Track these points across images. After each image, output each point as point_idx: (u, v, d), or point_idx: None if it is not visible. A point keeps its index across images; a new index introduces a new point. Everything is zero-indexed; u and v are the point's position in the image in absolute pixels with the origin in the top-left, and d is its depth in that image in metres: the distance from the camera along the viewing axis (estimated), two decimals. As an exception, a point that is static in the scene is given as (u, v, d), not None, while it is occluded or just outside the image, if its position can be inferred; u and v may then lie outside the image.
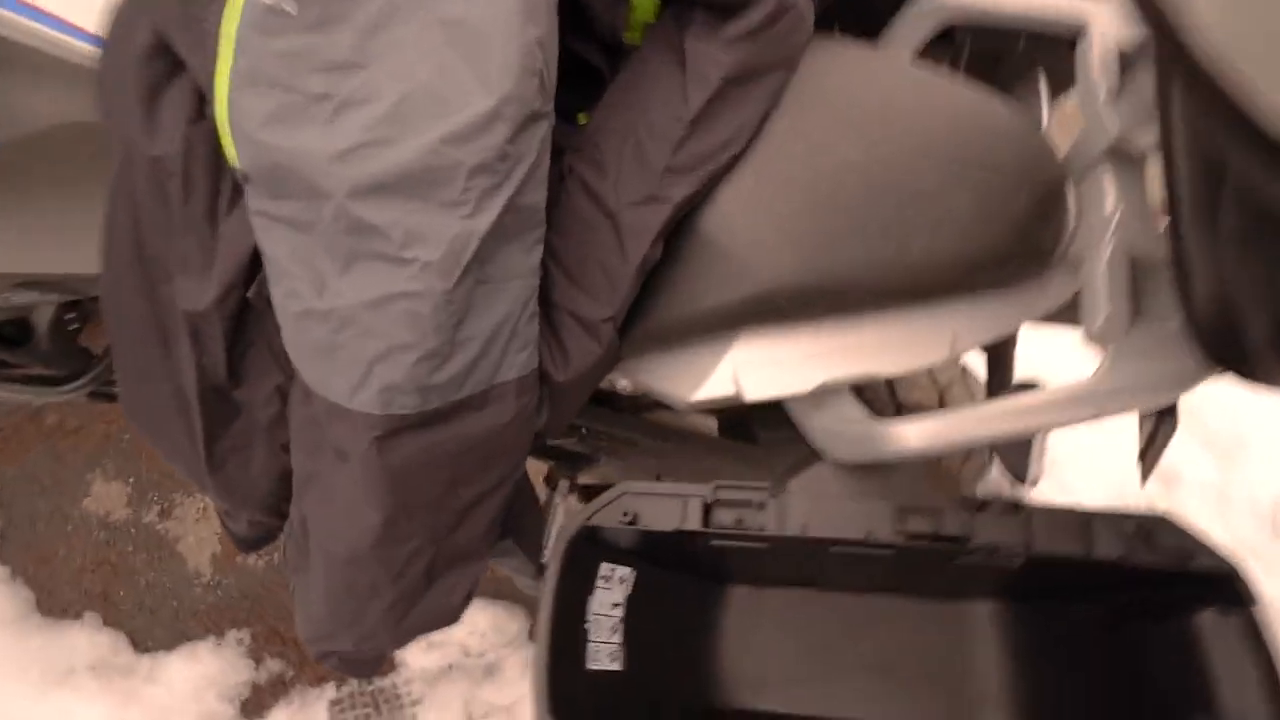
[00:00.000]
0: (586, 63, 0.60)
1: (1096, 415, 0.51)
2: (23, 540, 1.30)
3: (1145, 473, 0.58)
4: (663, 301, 0.58)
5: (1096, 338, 0.50)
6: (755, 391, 0.57)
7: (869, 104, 0.56)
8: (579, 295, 0.54)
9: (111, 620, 1.25)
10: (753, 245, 0.54)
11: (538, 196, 0.49)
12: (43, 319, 0.87)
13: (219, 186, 0.51)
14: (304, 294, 0.46)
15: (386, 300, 0.44)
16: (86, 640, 1.21)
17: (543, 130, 0.48)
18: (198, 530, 1.33)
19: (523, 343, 0.51)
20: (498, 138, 0.45)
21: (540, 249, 0.51)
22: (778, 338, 0.57)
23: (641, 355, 0.60)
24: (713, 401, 0.58)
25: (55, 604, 1.25)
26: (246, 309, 0.52)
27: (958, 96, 0.57)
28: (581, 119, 0.62)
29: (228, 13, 0.47)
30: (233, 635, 1.24)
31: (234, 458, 0.59)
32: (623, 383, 0.65)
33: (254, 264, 0.50)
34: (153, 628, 1.25)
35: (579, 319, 0.54)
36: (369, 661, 0.58)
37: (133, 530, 1.32)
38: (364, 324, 0.45)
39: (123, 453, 1.38)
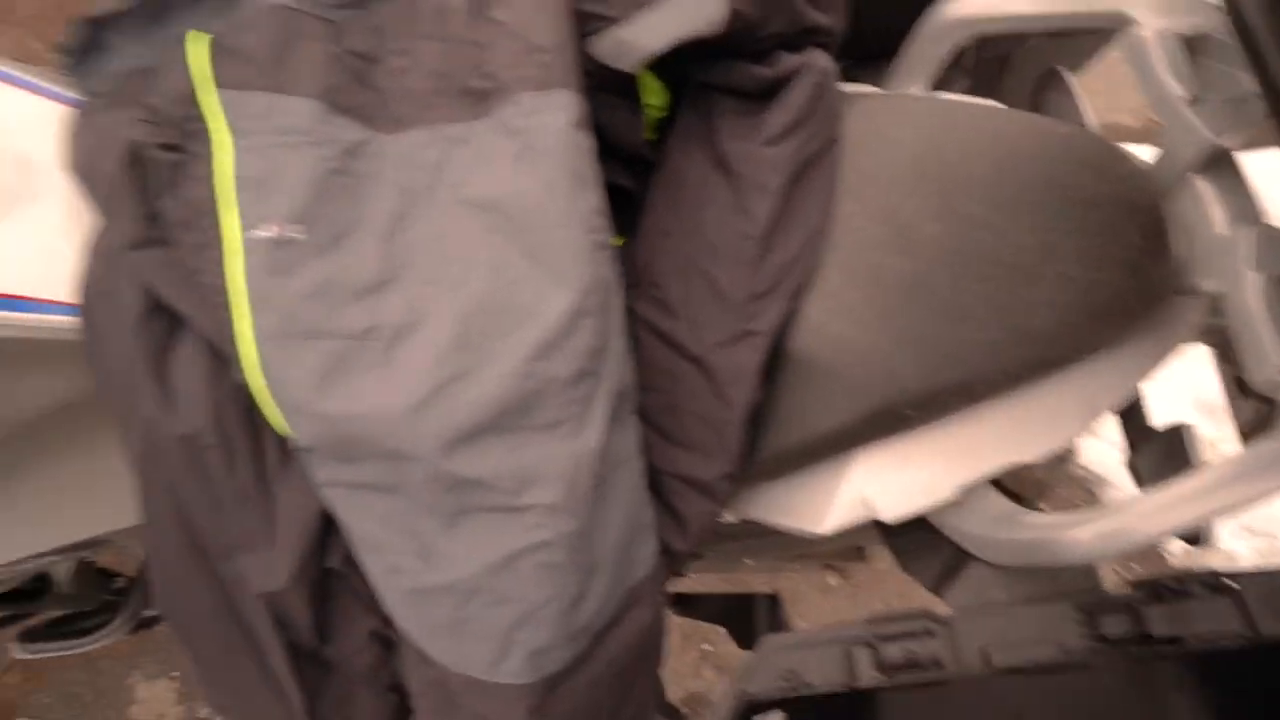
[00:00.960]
0: (612, 184, 0.54)
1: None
2: (78, 771, 1.21)
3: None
4: (766, 431, 0.52)
5: (1266, 387, 0.44)
6: (892, 510, 0.51)
7: (934, 161, 0.50)
8: (683, 455, 0.48)
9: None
10: (863, 356, 0.48)
11: (628, 370, 0.43)
12: (61, 570, 0.79)
13: (263, 448, 0.44)
14: (409, 568, 0.39)
15: (512, 559, 0.38)
16: None
17: (618, 298, 0.42)
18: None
19: (647, 534, 0.45)
20: (588, 336, 0.38)
21: (636, 419, 0.45)
22: (904, 446, 0.51)
23: (750, 489, 0.54)
24: (845, 529, 0.53)
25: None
26: (327, 570, 0.45)
27: (1025, 129, 0.52)
28: (616, 241, 0.56)
29: (228, 260, 0.40)
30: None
31: (338, 715, 0.51)
32: (726, 516, 0.59)
33: (325, 525, 0.43)
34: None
35: (690, 481, 0.48)
36: None
37: (191, 728, 1.24)
38: (492, 592, 0.38)
39: (160, 646, 1.29)
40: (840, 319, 0.48)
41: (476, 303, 0.38)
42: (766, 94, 0.50)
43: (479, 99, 0.42)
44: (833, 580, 1.24)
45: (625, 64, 0.45)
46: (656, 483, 0.49)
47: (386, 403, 0.37)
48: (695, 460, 0.48)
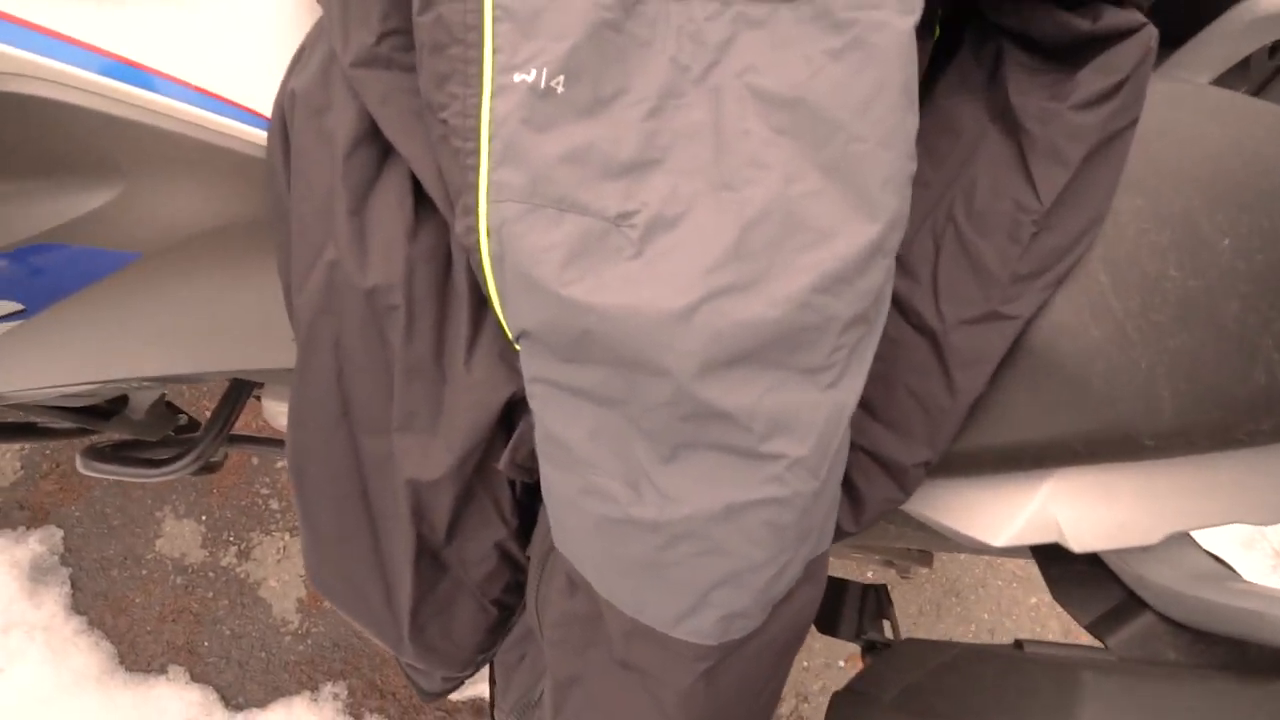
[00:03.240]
0: None
1: None
2: (96, 588, 1.21)
3: None
4: (972, 423, 0.46)
5: None
6: (1084, 542, 0.46)
7: (1242, 168, 0.44)
8: (884, 434, 0.43)
9: (199, 675, 1.17)
10: (1118, 371, 0.42)
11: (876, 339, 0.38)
12: (142, 396, 0.76)
13: (448, 323, 0.39)
14: (614, 493, 0.35)
15: (739, 510, 0.33)
16: (176, 697, 1.13)
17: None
18: (279, 572, 1.24)
19: (837, 507, 0.40)
20: (878, 276, 0.33)
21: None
22: (1118, 476, 0.46)
23: (930, 482, 0.49)
24: (1021, 545, 0.48)
25: (139, 658, 1.17)
26: (481, 469, 0.41)
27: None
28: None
29: (482, 93, 0.34)
30: (328, 689, 1.16)
31: (437, 620, 0.48)
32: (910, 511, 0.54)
33: (499, 423, 0.39)
34: (243, 682, 1.16)
35: (882, 462, 0.44)
36: None
37: (211, 574, 1.23)
38: (707, 540, 0.34)
39: (192, 488, 1.28)
40: (1101, 324, 0.42)
41: (760, 209, 0.33)
42: (1071, 51, 0.43)
43: None
44: (885, 575, 1.20)
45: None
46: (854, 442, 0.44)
47: (645, 301, 0.32)
48: (896, 441, 0.43)
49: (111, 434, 0.84)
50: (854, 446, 0.44)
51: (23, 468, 1.30)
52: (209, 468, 0.86)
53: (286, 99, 0.39)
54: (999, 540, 0.48)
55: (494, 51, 0.34)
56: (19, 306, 0.44)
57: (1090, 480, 0.46)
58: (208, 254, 0.46)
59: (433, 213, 0.38)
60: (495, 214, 0.34)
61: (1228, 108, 0.49)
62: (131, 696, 1.13)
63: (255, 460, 1.29)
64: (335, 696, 1.15)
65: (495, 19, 0.35)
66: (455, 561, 0.46)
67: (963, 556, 1.30)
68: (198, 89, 0.39)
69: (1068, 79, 0.42)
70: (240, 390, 0.81)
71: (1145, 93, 0.44)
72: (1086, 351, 0.43)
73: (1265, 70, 0.60)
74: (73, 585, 1.21)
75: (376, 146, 0.38)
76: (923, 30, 0.44)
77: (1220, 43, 0.55)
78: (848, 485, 0.44)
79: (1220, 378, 0.42)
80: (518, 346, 0.36)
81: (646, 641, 0.36)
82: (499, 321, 0.36)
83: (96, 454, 0.78)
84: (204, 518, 1.27)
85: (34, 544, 1.21)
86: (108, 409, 0.78)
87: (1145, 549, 0.47)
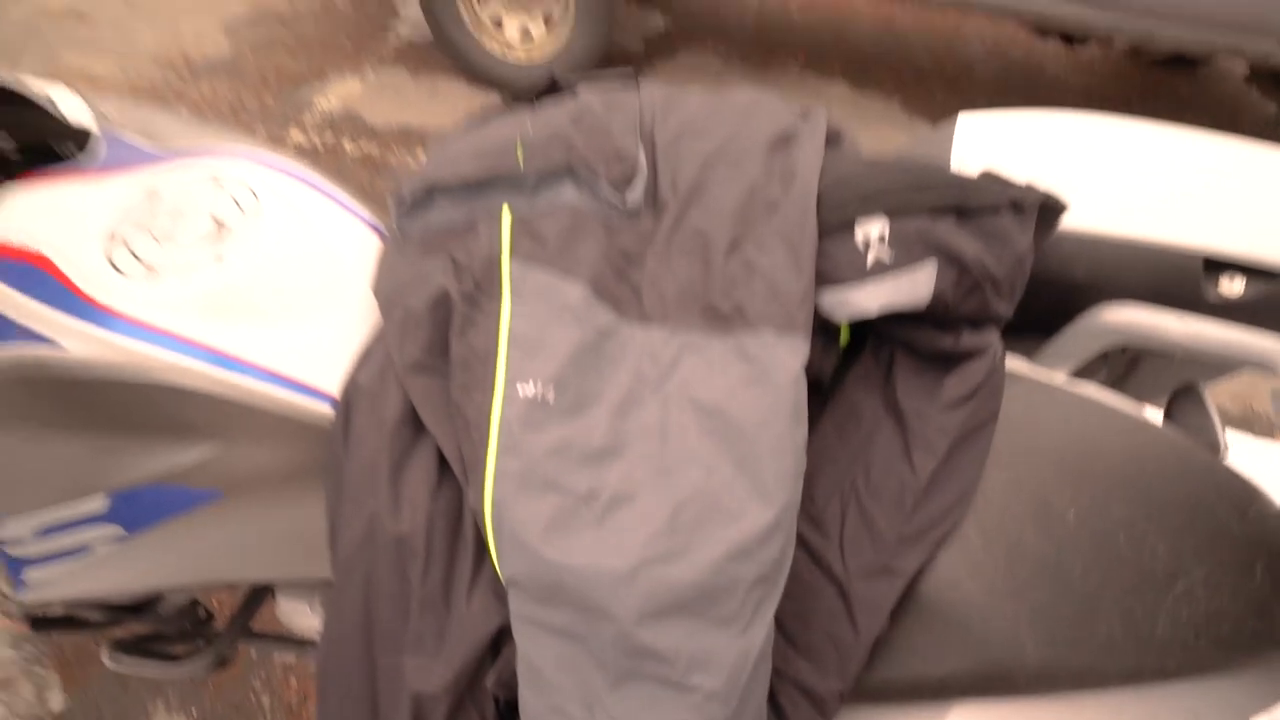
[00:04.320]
0: None
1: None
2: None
3: None
4: (879, 659, 0.56)
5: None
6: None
7: (1084, 456, 0.56)
8: (803, 664, 0.53)
9: None
10: (989, 618, 0.52)
11: (780, 587, 0.48)
12: (176, 596, 0.85)
13: (455, 564, 0.50)
14: (572, 713, 0.44)
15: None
16: None
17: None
18: (261, 772, 1.24)
19: (761, 724, 0.49)
20: (775, 549, 0.45)
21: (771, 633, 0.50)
22: (1004, 710, 0.54)
23: (848, 709, 0.58)
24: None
25: None
26: (471, 696, 0.50)
27: (1171, 449, 0.58)
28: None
29: (492, 400, 0.48)
30: None
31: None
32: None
33: (490, 649, 0.49)
34: None
35: (805, 691, 0.53)
36: None
37: (193, 773, 1.23)
38: None
39: (186, 679, 1.31)
40: (974, 578, 0.53)
41: (688, 493, 0.45)
42: (944, 360, 0.58)
43: (721, 320, 0.51)
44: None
45: (839, 317, 0.54)
46: (773, 684, 0.53)
47: (599, 563, 0.44)
48: (813, 672, 0.52)
49: (140, 629, 0.92)
50: (781, 675, 0.53)
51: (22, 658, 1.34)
52: (222, 662, 0.93)
53: (352, 387, 0.53)
54: (912, 766, 0.55)
55: (506, 370, 0.49)
56: (122, 531, 0.55)
57: (984, 713, 0.55)
58: (271, 492, 0.58)
59: (451, 479, 0.51)
60: (497, 490, 0.46)
61: (1075, 405, 0.63)
62: None
63: (253, 653, 1.34)
64: None
65: (509, 346, 0.50)
66: None
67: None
68: (283, 375, 0.54)
69: (938, 384, 0.56)
70: (262, 592, 0.90)
71: (999, 395, 0.58)
72: (964, 601, 0.53)
73: (1119, 365, 0.75)
74: (55, 780, 1.21)
75: (414, 428, 0.51)
76: (831, 339, 0.59)
77: (1077, 341, 0.71)
78: (777, 710, 0.53)
79: (1071, 629, 0.52)
80: (509, 588, 0.47)
81: None
82: (494, 568, 0.47)
83: (123, 648, 0.86)
84: (194, 711, 1.29)
85: (23, 734, 1.23)
86: (139, 605, 0.87)
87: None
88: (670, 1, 3.69)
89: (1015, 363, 0.69)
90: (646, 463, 0.47)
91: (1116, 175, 0.72)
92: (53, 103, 0.66)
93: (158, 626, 0.90)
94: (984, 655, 0.52)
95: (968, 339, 0.57)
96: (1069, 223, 0.70)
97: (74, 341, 0.51)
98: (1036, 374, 0.70)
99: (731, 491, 0.45)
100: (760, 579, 0.44)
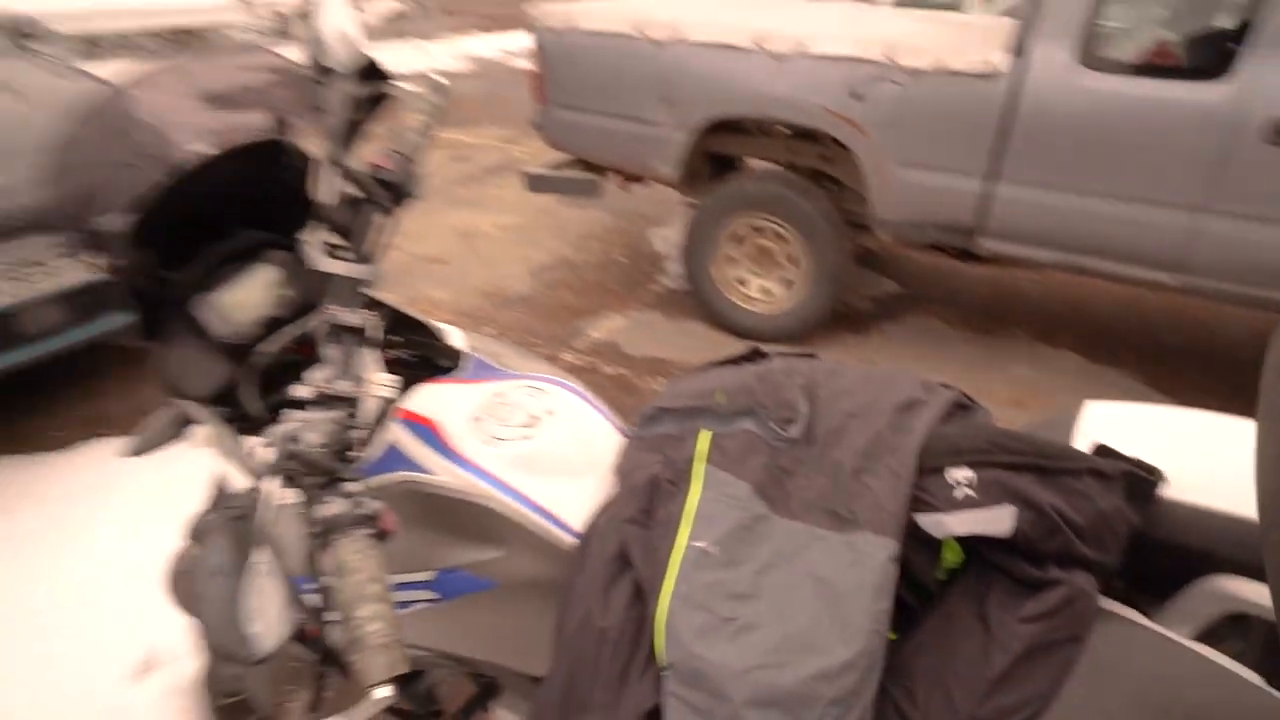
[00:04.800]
0: (899, 599, 0.78)
1: None
2: None
3: None
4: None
5: None
6: None
7: (1160, 691, 0.67)
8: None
9: None
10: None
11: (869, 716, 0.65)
12: (439, 675, 1.15)
13: (635, 655, 0.73)
14: None
15: None
16: None
17: (878, 676, 0.66)
18: None
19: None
20: (851, 681, 0.63)
21: None
22: None
23: None
24: None
25: None
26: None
27: (1258, 706, 0.66)
28: (892, 637, 0.78)
29: (675, 547, 0.74)
30: None
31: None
32: None
33: (648, 717, 0.70)
34: None
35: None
36: None
37: None
38: None
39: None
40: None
41: (795, 631, 0.66)
42: (1033, 585, 0.73)
43: (840, 521, 0.73)
44: None
45: (937, 534, 0.73)
46: None
47: (728, 663, 0.65)
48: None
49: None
50: None
51: None
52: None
53: (591, 528, 0.82)
54: None
55: (690, 531, 0.74)
56: (436, 597, 0.86)
57: None
58: (525, 592, 0.86)
59: (640, 600, 0.75)
60: (670, 606, 0.70)
61: (1174, 654, 0.72)
62: None
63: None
64: None
65: (696, 517, 0.75)
66: None
67: None
68: (551, 514, 0.84)
69: (1022, 603, 0.72)
70: (480, 700, 1.16)
71: (1082, 623, 0.71)
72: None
73: (1259, 635, 0.80)
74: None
75: (624, 561, 0.78)
76: (934, 552, 0.77)
77: (1191, 604, 0.80)
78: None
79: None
80: (664, 673, 0.69)
81: None
82: (659, 659, 0.69)
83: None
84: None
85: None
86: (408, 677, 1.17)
87: None
88: (902, 269, 4.07)
89: (1131, 613, 0.79)
90: (771, 608, 0.68)
91: (1229, 461, 0.84)
92: (442, 332, 1.09)
93: (405, 702, 1.19)
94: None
95: (1054, 573, 0.73)
96: (1179, 495, 0.83)
97: (441, 473, 0.86)
98: (1149, 625, 0.80)
99: (826, 635, 0.64)
100: (835, 700, 0.61)
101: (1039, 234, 2.70)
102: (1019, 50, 2.58)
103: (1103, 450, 0.83)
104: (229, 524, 0.63)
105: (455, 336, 1.09)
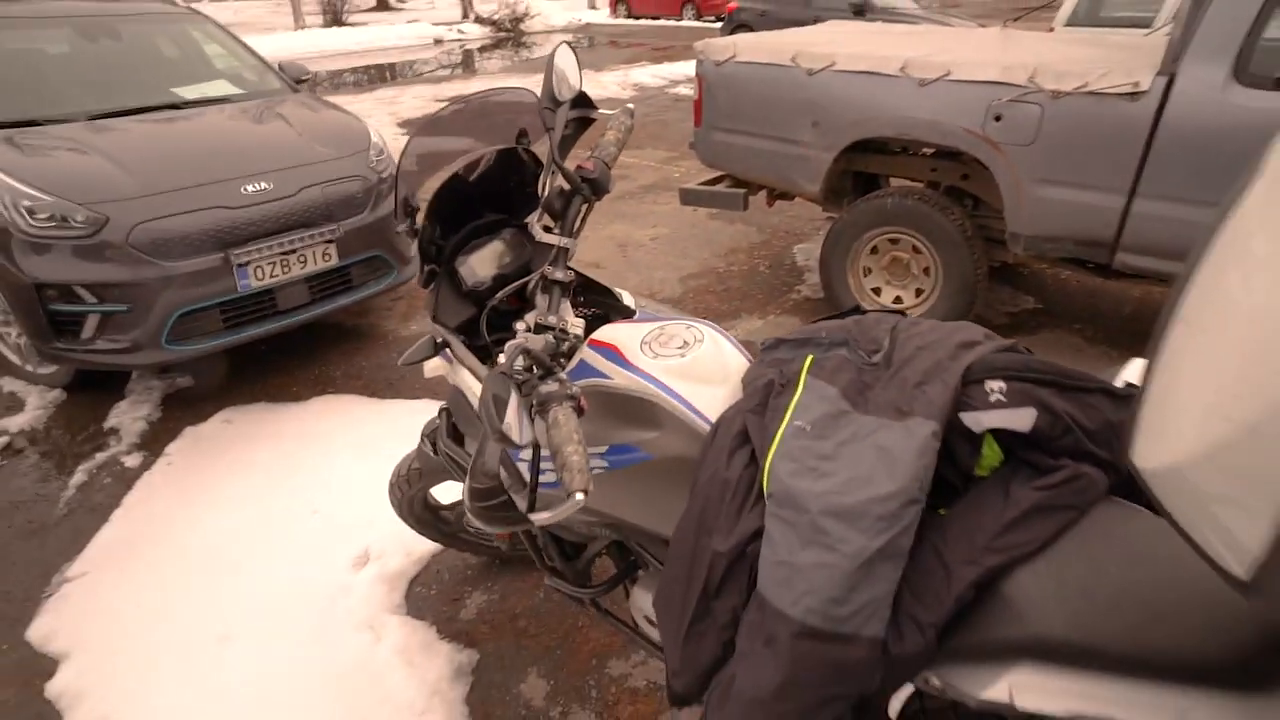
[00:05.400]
0: (946, 480, 1.03)
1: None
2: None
3: None
4: (965, 629, 0.93)
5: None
6: (1022, 702, 0.86)
7: (1135, 544, 0.90)
8: (917, 605, 0.93)
9: None
10: (1035, 607, 0.88)
11: (905, 543, 0.92)
12: (596, 548, 1.51)
13: (748, 497, 1.04)
14: (780, 551, 0.95)
15: (820, 564, 0.90)
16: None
17: (917, 510, 0.93)
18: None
19: (881, 618, 0.91)
20: (893, 506, 0.91)
21: (899, 572, 0.93)
22: (1049, 673, 0.87)
23: (949, 663, 0.94)
24: (988, 704, 0.89)
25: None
26: (740, 558, 1.02)
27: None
28: (941, 512, 1.04)
29: (781, 424, 1.04)
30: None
31: (695, 637, 1.05)
32: (933, 680, 0.97)
33: (754, 536, 1.01)
34: None
35: (915, 620, 0.93)
36: None
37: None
38: (805, 572, 0.91)
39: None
40: (1034, 581, 0.90)
41: (861, 475, 0.94)
42: (1049, 471, 0.98)
43: (901, 414, 1.01)
44: None
45: (975, 428, 0.99)
46: (898, 613, 0.94)
47: (811, 490, 0.95)
48: (922, 610, 0.93)
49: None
50: (902, 610, 0.94)
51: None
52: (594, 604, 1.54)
53: (722, 418, 1.14)
54: (978, 695, 0.90)
55: (791, 416, 1.05)
56: (607, 466, 1.22)
57: (1037, 673, 0.87)
58: (672, 465, 1.19)
59: (754, 463, 1.06)
60: (774, 457, 1.01)
61: (1164, 531, 0.94)
62: None
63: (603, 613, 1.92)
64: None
65: (796, 407, 1.06)
66: (715, 609, 1.04)
67: None
68: (695, 408, 1.17)
69: (1037, 480, 0.97)
70: (627, 572, 1.51)
71: (1082, 497, 0.94)
72: (1021, 592, 0.89)
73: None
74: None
75: (744, 438, 1.08)
76: (975, 445, 1.03)
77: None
78: (896, 629, 0.93)
79: (1095, 621, 0.84)
80: (768, 501, 1.00)
81: (777, 618, 0.90)
82: (764, 491, 1.01)
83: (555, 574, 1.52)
84: (552, 682, 1.89)
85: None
86: (570, 552, 1.54)
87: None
88: (1044, 287, 4.08)
89: (1136, 506, 0.99)
90: (844, 464, 0.96)
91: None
92: (619, 293, 1.46)
93: (567, 577, 1.55)
94: (1027, 630, 0.86)
95: (1066, 462, 0.97)
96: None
97: (618, 378, 1.21)
98: (1151, 515, 1.01)
99: (880, 477, 0.91)
100: (880, 517, 0.88)
101: (1178, 248, 2.73)
102: (1171, 68, 2.65)
103: (1130, 386, 1.05)
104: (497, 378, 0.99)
105: (627, 297, 1.46)
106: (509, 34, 18.42)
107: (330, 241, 3.26)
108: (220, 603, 2.15)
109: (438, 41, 17.34)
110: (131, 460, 2.84)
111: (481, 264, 1.45)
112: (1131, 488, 1.02)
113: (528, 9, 18.99)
